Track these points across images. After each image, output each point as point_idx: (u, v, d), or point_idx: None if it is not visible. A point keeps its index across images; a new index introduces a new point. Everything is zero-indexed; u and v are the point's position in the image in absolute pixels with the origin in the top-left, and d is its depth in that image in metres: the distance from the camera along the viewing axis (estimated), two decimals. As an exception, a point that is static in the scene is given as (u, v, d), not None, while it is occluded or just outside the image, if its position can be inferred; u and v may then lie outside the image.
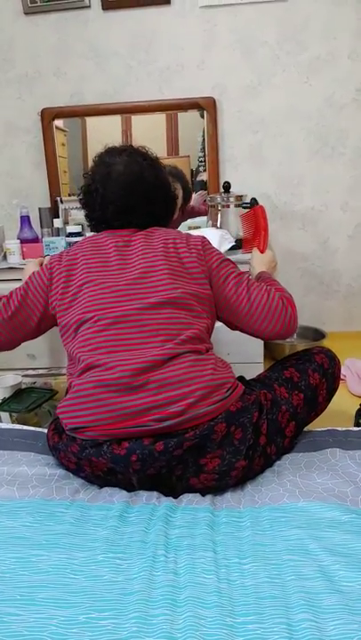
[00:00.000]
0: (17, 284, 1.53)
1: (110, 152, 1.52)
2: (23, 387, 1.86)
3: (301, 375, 1.43)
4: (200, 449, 1.20)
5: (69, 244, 2.23)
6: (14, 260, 2.29)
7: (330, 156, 2.59)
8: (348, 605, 0.85)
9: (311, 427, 1.50)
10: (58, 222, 2.50)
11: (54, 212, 2.60)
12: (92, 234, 1.55)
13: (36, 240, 2.39)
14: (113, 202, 1.45)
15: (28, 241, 2.36)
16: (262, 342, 2.14)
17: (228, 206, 2.35)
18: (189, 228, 2.45)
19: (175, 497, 1.24)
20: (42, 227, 2.51)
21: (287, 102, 2.54)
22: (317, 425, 1.51)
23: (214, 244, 1.90)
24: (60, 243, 2.26)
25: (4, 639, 0.80)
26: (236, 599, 0.89)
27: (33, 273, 1.49)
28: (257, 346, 2.13)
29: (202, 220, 2.53)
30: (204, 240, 1.48)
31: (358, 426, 1.76)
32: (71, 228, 2.28)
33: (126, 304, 1.31)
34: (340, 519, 1.09)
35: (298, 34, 2.46)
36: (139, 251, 1.41)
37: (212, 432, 1.20)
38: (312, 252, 2.73)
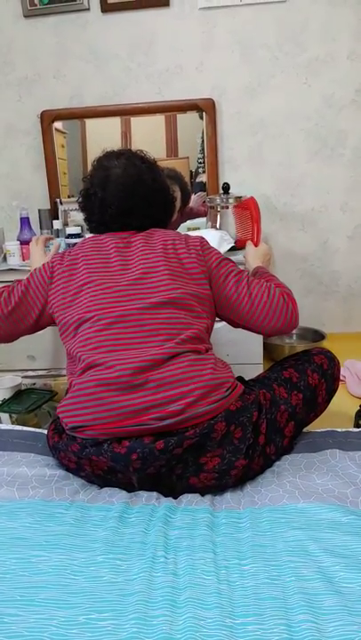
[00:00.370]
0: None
1: (108, 156, 1.53)
2: (23, 388, 1.87)
3: (300, 375, 1.43)
4: (200, 448, 1.21)
5: (69, 246, 2.24)
6: (14, 261, 2.29)
7: (329, 156, 2.59)
8: (348, 606, 0.85)
9: (311, 428, 1.50)
10: (57, 224, 2.51)
11: (54, 213, 2.60)
12: (93, 235, 1.56)
13: (35, 242, 2.39)
14: (111, 204, 1.47)
15: (28, 242, 2.35)
16: (261, 343, 2.15)
17: (227, 207, 2.35)
18: (188, 230, 2.45)
19: (175, 497, 1.24)
20: (41, 228, 2.51)
21: (286, 103, 2.54)
22: (317, 426, 1.51)
23: (214, 244, 1.90)
24: (57, 242, 2.26)
25: (4, 640, 0.80)
26: (236, 600, 0.89)
27: (35, 270, 1.51)
28: (256, 347, 2.13)
29: (201, 221, 2.53)
30: (202, 240, 1.49)
31: (358, 427, 1.77)
32: (71, 230, 2.29)
33: (127, 304, 1.32)
34: (340, 520, 1.09)
35: (297, 35, 2.46)
36: (139, 251, 1.42)
37: (211, 431, 1.20)
38: (312, 253, 2.73)
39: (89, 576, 0.96)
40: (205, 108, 2.55)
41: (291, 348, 2.45)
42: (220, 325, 1.53)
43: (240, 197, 2.35)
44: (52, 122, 2.61)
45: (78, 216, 2.53)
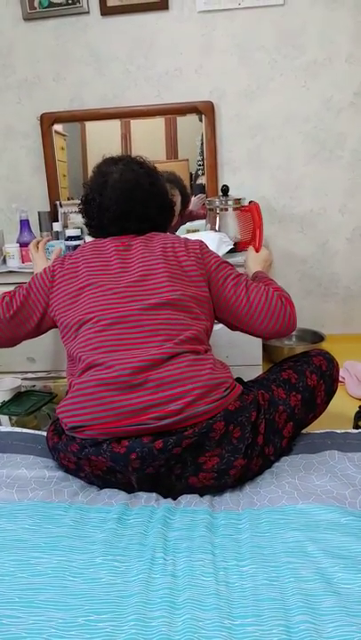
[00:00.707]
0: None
1: (107, 162, 1.56)
2: (22, 390, 1.87)
3: (299, 376, 1.44)
4: (199, 447, 1.21)
5: (68, 248, 2.24)
6: (14, 263, 2.30)
7: (328, 159, 2.60)
8: (347, 607, 0.86)
9: (310, 429, 1.50)
10: (57, 226, 2.51)
11: (53, 215, 2.61)
12: (93, 238, 1.58)
13: (35, 244, 2.40)
14: (109, 208, 1.49)
15: (28, 245, 2.36)
16: (261, 345, 2.15)
17: (226, 210, 2.35)
18: (188, 231, 2.46)
19: (174, 498, 1.24)
20: (41, 230, 2.52)
21: (285, 106, 2.55)
22: (316, 427, 1.51)
23: (213, 247, 1.91)
24: (59, 246, 2.27)
25: (3, 641, 0.80)
26: (235, 601, 0.90)
27: (35, 274, 1.53)
28: (255, 348, 2.13)
29: (200, 223, 2.54)
30: (202, 244, 1.52)
31: (357, 428, 1.77)
32: (70, 232, 2.29)
33: (126, 305, 1.34)
34: (339, 521, 1.09)
35: (295, 38, 2.46)
36: (139, 254, 1.44)
37: (210, 430, 1.21)
38: (311, 255, 2.74)
39: (88, 578, 0.96)
40: (204, 111, 2.55)
41: (290, 350, 2.45)
42: (219, 327, 1.54)
43: (239, 199, 2.35)
44: (52, 124, 2.62)
45: (78, 218, 2.53)
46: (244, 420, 1.26)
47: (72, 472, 1.32)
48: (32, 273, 1.78)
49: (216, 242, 2.11)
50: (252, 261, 1.71)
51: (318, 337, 2.57)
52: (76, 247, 2.18)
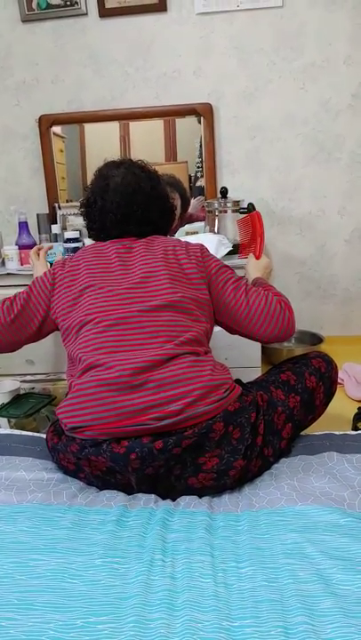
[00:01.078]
0: (16, 291, 1.54)
1: (109, 165, 1.57)
2: (22, 392, 1.87)
3: (298, 378, 1.44)
4: (198, 448, 1.22)
5: (67, 250, 2.24)
6: (12, 266, 2.30)
7: (326, 161, 2.60)
8: (345, 609, 0.86)
9: (309, 430, 1.50)
10: (56, 228, 2.51)
11: (52, 218, 2.61)
12: (93, 241, 1.58)
13: (34, 246, 2.39)
14: (111, 212, 1.50)
15: (26, 247, 2.36)
16: (260, 347, 2.15)
17: (225, 212, 2.36)
18: (187, 234, 2.46)
19: (173, 499, 1.24)
20: (40, 233, 2.52)
21: (283, 108, 2.55)
22: (315, 429, 1.52)
23: (212, 249, 1.92)
24: (57, 249, 2.27)
25: (2, 644, 0.80)
26: (234, 603, 0.90)
27: (36, 278, 1.54)
28: (255, 350, 2.13)
29: (200, 225, 2.54)
30: (203, 248, 1.53)
31: (356, 430, 1.77)
32: (69, 234, 2.29)
33: (127, 307, 1.34)
34: (338, 522, 1.10)
35: (293, 40, 2.47)
36: (140, 256, 1.45)
37: (210, 431, 1.21)
38: (309, 257, 2.74)
39: (87, 580, 0.96)
40: (203, 113, 2.56)
41: (289, 352, 2.45)
42: (218, 329, 1.54)
43: (238, 202, 2.36)
44: (50, 126, 2.62)
45: (77, 221, 2.54)
46: (244, 421, 1.26)
47: (71, 473, 1.32)
48: (31, 277, 1.78)
49: (215, 244, 2.12)
50: (252, 268, 1.71)
51: (317, 339, 2.57)
52: (74, 249, 2.19)
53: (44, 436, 1.45)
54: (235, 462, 1.24)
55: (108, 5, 2.48)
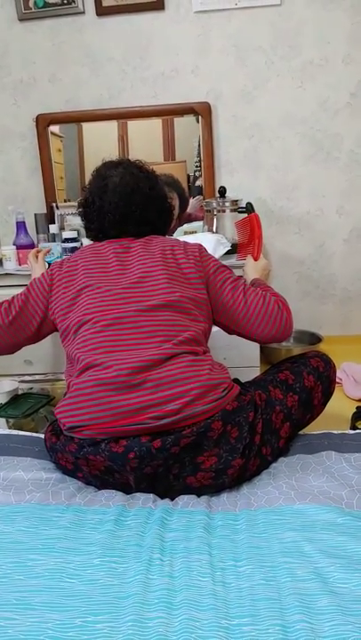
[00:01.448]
0: (14, 291, 1.54)
1: (107, 165, 1.57)
2: (20, 392, 1.87)
3: (296, 377, 1.44)
4: (197, 447, 1.22)
5: (65, 250, 2.24)
6: (10, 266, 2.30)
7: (325, 160, 2.60)
8: (343, 606, 0.86)
9: (307, 430, 1.51)
10: (54, 228, 2.51)
11: (50, 217, 2.60)
12: (91, 241, 1.58)
13: (31, 246, 2.39)
14: (109, 212, 1.50)
15: (24, 247, 2.36)
16: (258, 347, 2.15)
17: (223, 211, 2.36)
18: (185, 233, 2.46)
19: (172, 498, 1.25)
20: (38, 233, 2.52)
21: (282, 107, 2.55)
22: (313, 428, 1.52)
23: (210, 248, 1.92)
24: (55, 249, 2.27)
25: (0, 643, 0.80)
26: (232, 601, 0.90)
27: (34, 279, 1.54)
28: (253, 350, 2.13)
29: (198, 224, 2.54)
30: (201, 248, 1.53)
31: (354, 429, 1.77)
32: (67, 234, 2.29)
33: (125, 306, 1.35)
34: (336, 521, 1.10)
35: (292, 39, 2.47)
36: (138, 256, 1.45)
37: (208, 429, 1.22)
38: (308, 257, 2.74)
39: (85, 579, 0.96)
40: (201, 112, 2.55)
41: (288, 351, 2.45)
42: (216, 329, 1.54)
43: (236, 201, 2.36)
44: (48, 125, 2.61)
45: (75, 220, 2.53)
46: (242, 420, 1.26)
47: (70, 472, 1.32)
48: (29, 276, 1.78)
49: (213, 243, 2.12)
50: (250, 270, 1.71)
51: (316, 338, 2.57)
52: (72, 249, 2.18)
53: (43, 436, 1.45)
54: (233, 461, 1.24)
55: (105, 4, 2.48)
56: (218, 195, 2.38)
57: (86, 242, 1.73)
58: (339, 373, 2.23)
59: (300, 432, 1.48)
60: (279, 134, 2.59)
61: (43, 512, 1.17)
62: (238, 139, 2.61)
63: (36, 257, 1.89)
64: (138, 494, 1.24)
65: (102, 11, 2.49)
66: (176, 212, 2.43)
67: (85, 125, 2.65)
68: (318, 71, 2.50)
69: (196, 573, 0.96)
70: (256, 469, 1.31)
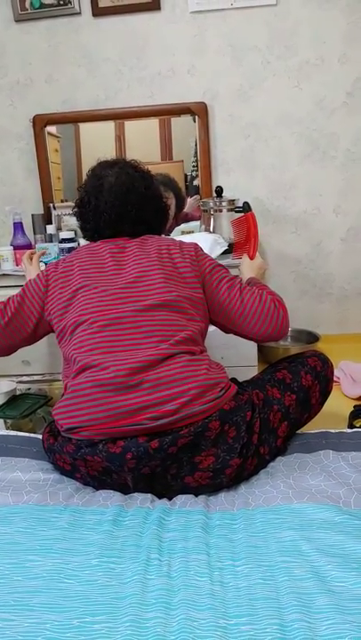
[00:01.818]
0: (11, 291, 1.54)
1: (102, 165, 1.57)
2: (18, 393, 1.86)
3: (294, 377, 1.45)
4: (194, 447, 1.22)
5: (62, 251, 2.24)
6: (7, 266, 2.29)
7: (321, 159, 2.60)
8: (341, 605, 0.86)
9: (305, 428, 1.51)
10: (51, 229, 2.51)
11: (47, 218, 2.60)
12: (87, 242, 1.58)
13: (29, 246, 2.39)
14: (105, 212, 1.50)
15: (21, 247, 2.36)
16: (256, 346, 2.15)
17: (220, 211, 2.36)
18: (183, 233, 2.46)
19: (170, 498, 1.25)
20: (35, 233, 2.52)
21: (278, 106, 2.55)
22: (311, 427, 1.52)
23: (207, 248, 1.92)
24: (52, 249, 2.27)
25: (-2, 644, 0.80)
26: (230, 601, 0.90)
27: (29, 280, 1.53)
28: (251, 349, 2.13)
29: (195, 224, 2.54)
30: (197, 247, 1.53)
31: (352, 428, 1.77)
32: (64, 235, 2.29)
33: (121, 306, 1.34)
34: (333, 520, 1.10)
35: (288, 38, 2.47)
36: (134, 256, 1.45)
37: (206, 429, 1.22)
38: (305, 256, 2.74)
39: (83, 580, 0.96)
40: (198, 112, 2.55)
41: (285, 351, 2.45)
42: (213, 328, 1.54)
43: (233, 200, 2.36)
44: (45, 126, 2.61)
45: (72, 221, 2.53)
46: (240, 420, 1.27)
47: (68, 473, 1.32)
48: (24, 278, 1.78)
49: (210, 243, 2.11)
50: (246, 268, 1.71)
51: (313, 337, 2.57)
52: (70, 250, 2.18)
53: (41, 436, 1.45)
54: (231, 461, 1.24)
55: (101, 4, 2.48)
56: (215, 194, 2.38)
57: (83, 242, 1.73)
58: (336, 372, 2.23)
59: (298, 431, 1.48)
60: (276, 134, 2.59)
61: (41, 513, 1.17)
62: (235, 138, 2.61)
63: (31, 259, 1.88)
64: (136, 494, 1.24)
65: (98, 11, 2.49)
66: (172, 211, 2.43)
67: (82, 126, 2.65)
68: (314, 71, 2.50)
69: (194, 573, 0.97)
70: (254, 469, 1.32)
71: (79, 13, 2.50)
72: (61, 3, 2.47)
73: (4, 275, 2.27)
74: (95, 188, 1.52)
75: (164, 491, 1.26)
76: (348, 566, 0.95)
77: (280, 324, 1.45)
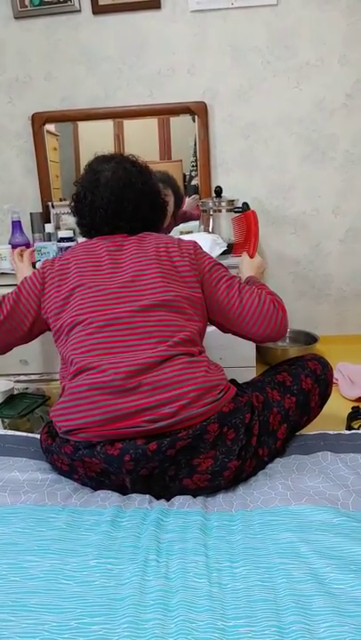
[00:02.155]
0: (9, 290, 1.53)
1: (99, 160, 1.55)
2: (15, 392, 1.86)
3: (294, 379, 1.44)
4: (193, 449, 1.21)
5: (61, 249, 2.23)
6: (5, 265, 2.28)
7: (321, 160, 2.60)
8: (339, 607, 0.86)
9: (303, 430, 1.51)
10: (49, 227, 2.50)
11: (46, 217, 2.60)
12: (84, 239, 1.57)
13: (27, 245, 2.38)
14: (101, 207, 1.48)
15: (20, 246, 2.35)
16: (254, 346, 2.15)
17: (219, 211, 2.36)
18: (181, 233, 2.45)
19: (168, 499, 1.24)
20: (33, 232, 2.51)
21: (278, 107, 2.55)
22: (309, 428, 1.52)
23: (206, 248, 1.91)
24: (51, 248, 2.26)
25: (-4, 645, 0.80)
26: (228, 603, 0.90)
27: (25, 278, 1.51)
28: (249, 350, 2.13)
29: (194, 224, 2.54)
30: (195, 245, 1.51)
31: (350, 429, 1.77)
32: (63, 233, 2.28)
33: (119, 306, 1.33)
34: (332, 522, 1.10)
35: (288, 39, 2.47)
36: (131, 254, 1.43)
37: (204, 432, 1.21)
38: (304, 257, 2.74)
39: (81, 580, 0.96)
40: (197, 112, 2.55)
41: (283, 351, 2.46)
42: (212, 329, 1.53)
43: (232, 201, 2.36)
44: (44, 124, 2.61)
45: (70, 219, 2.52)
46: (238, 422, 1.26)
47: (65, 474, 1.32)
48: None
49: (209, 243, 2.11)
50: (245, 267, 1.71)
51: (312, 338, 2.57)
52: (68, 248, 2.17)
53: (38, 436, 1.44)
54: (229, 463, 1.24)
55: (101, 2, 2.47)
56: (214, 194, 2.38)
57: (82, 241, 1.72)
58: (334, 373, 2.23)
59: (296, 433, 1.48)
60: (275, 134, 2.59)
61: (39, 513, 1.16)
62: (234, 138, 2.61)
63: (21, 256, 1.87)
64: (134, 495, 1.23)
65: (98, 9, 2.48)
66: (171, 208, 2.42)
67: (81, 124, 2.64)
68: (314, 71, 2.50)
69: (193, 575, 0.96)
70: (252, 470, 1.31)
71: (79, 11, 2.50)
72: (61, 0, 2.46)
73: (2, 273, 2.26)
74: (91, 182, 1.50)
75: (162, 492, 1.25)
76: (346, 568, 0.95)
77: (279, 325, 1.45)
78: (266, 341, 1.50)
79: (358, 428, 1.79)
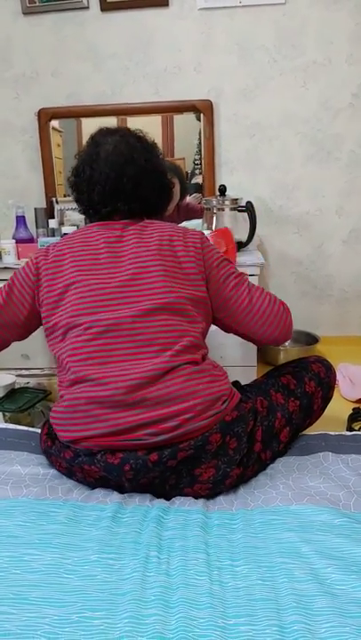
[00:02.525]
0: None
1: (102, 132, 1.44)
2: (17, 387, 1.86)
3: (298, 382, 1.42)
4: (195, 460, 1.19)
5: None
6: (9, 259, 2.29)
7: (325, 160, 2.60)
8: (340, 608, 0.86)
9: (304, 431, 1.50)
10: (53, 223, 2.51)
11: (50, 212, 2.60)
12: (80, 228, 1.47)
13: (31, 240, 2.39)
14: (98, 183, 1.37)
15: (24, 241, 2.36)
16: (256, 346, 2.15)
17: (223, 209, 2.36)
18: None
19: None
20: (37, 227, 2.51)
21: (283, 106, 2.55)
22: (310, 429, 1.52)
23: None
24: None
25: (-3, 638, 0.80)
26: (228, 601, 0.90)
27: (17, 271, 1.41)
28: (250, 349, 2.13)
29: (197, 222, 2.54)
30: (203, 237, 1.41)
31: (351, 430, 1.77)
32: (66, 229, 2.29)
33: (118, 310, 1.25)
34: (333, 522, 1.10)
35: (295, 38, 2.46)
36: (132, 247, 1.33)
37: (206, 443, 1.19)
38: (306, 257, 2.74)
39: (82, 575, 0.96)
40: (203, 110, 2.55)
41: (285, 351, 2.46)
42: (214, 328, 1.52)
43: (236, 199, 2.36)
44: (49, 120, 2.61)
45: (74, 216, 2.53)
46: (241, 431, 1.23)
47: (64, 474, 1.30)
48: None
49: (212, 242, 2.11)
50: None
51: (313, 339, 2.57)
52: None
53: (39, 431, 1.44)
54: (231, 472, 1.22)
55: (109, -1, 2.47)
56: (218, 193, 2.38)
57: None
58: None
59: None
60: (280, 133, 2.59)
61: (40, 507, 1.16)
62: (239, 137, 2.61)
63: None
64: (134, 493, 1.23)
65: (106, 6, 2.48)
66: (177, 195, 2.36)
67: (85, 120, 2.64)
68: (321, 71, 2.50)
69: (193, 572, 0.96)
70: (254, 474, 1.30)
71: (87, 7, 2.50)
72: (69, -4, 2.47)
73: (5, 268, 2.26)
74: (91, 156, 1.38)
75: (162, 497, 1.24)
76: (347, 569, 0.95)
77: (287, 328, 1.41)
78: (270, 344, 1.45)
79: (359, 430, 1.80)
